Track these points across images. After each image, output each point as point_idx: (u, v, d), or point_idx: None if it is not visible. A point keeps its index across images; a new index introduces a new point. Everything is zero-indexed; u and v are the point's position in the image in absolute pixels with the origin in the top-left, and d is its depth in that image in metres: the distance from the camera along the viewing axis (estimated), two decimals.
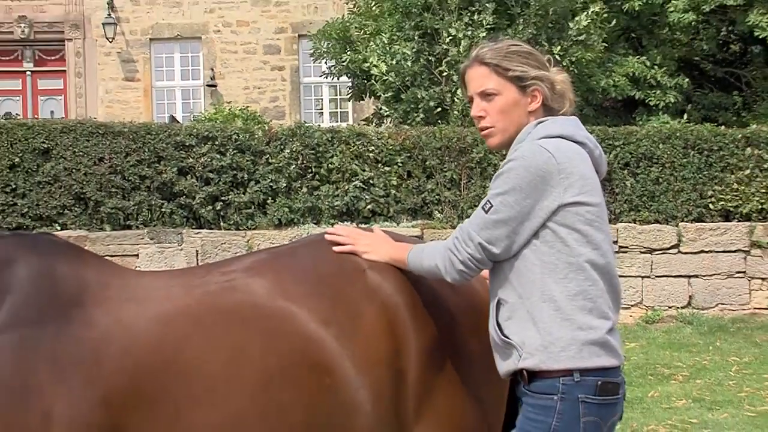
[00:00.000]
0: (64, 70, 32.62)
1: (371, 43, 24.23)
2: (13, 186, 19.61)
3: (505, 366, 4.37)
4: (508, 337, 4.30)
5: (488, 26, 22.21)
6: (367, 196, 19.63)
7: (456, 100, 22.16)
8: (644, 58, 25.96)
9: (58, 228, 19.53)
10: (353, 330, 4.31)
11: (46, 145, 19.75)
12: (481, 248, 4.29)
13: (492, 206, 4.26)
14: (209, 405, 3.97)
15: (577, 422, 4.19)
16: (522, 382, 4.30)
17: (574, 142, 4.47)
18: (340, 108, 32.11)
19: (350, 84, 27.78)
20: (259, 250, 4.71)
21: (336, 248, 4.54)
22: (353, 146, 19.95)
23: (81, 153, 19.69)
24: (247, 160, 19.89)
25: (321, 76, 30.64)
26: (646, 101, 25.69)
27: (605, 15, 24.16)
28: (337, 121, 30.50)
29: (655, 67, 25.80)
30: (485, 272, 4.53)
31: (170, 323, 4.05)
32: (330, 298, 4.36)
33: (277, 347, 4.18)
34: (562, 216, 4.25)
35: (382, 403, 4.31)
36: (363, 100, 28.32)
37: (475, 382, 4.56)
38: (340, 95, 31.49)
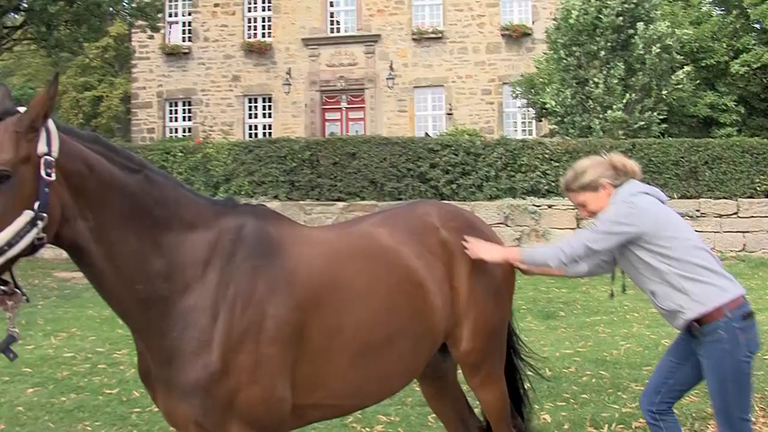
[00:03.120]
0: (363, 107, 32.94)
1: (547, 89, 24.45)
2: (335, 175, 20.45)
3: (679, 324, 4.41)
4: (670, 309, 4.38)
5: (619, 77, 22.23)
6: (543, 181, 20.02)
7: (597, 120, 22.33)
8: (716, 93, 25.72)
9: (358, 200, 20.22)
10: (432, 262, 4.35)
11: (353, 151, 20.54)
12: (587, 248, 4.37)
13: (597, 228, 4.36)
14: (357, 307, 3.98)
15: (739, 343, 4.25)
16: (694, 329, 4.33)
17: (643, 194, 4.49)
18: (528, 127, 31.76)
19: (534, 113, 27.90)
20: (374, 213, 4.92)
21: (468, 252, 4.47)
22: (536, 150, 20.33)
23: (373, 155, 20.41)
24: (471, 159, 20.36)
25: (516, 107, 30.80)
26: (719, 120, 25.37)
27: (693, 73, 23.99)
28: (526, 135, 30.36)
29: (724, 97, 25.53)
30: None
31: (332, 257, 4.06)
32: (419, 242, 4.38)
33: (393, 270, 4.21)
34: (650, 238, 4.31)
35: (447, 307, 4.36)
36: (541, 122, 28.40)
37: (496, 298, 4.62)
38: (527, 119, 31.30)
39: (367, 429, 6.95)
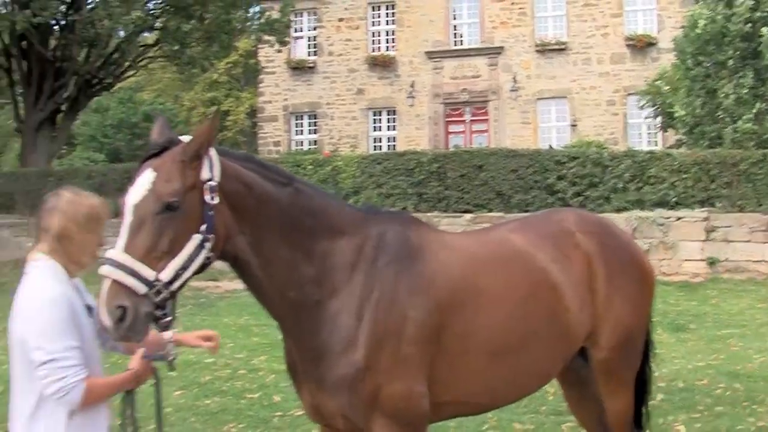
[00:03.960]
0: (487, 119, 33.05)
1: (674, 96, 24.13)
2: (462, 187, 20.68)
3: None
4: None
5: (748, 86, 21.79)
6: (672, 192, 19.65)
7: (728, 131, 21.93)
8: None
9: (486, 211, 20.26)
10: (568, 266, 4.43)
11: (480, 163, 20.74)
12: None
13: None
14: (492, 309, 4.10)
15: None
16: None
17: None
18: (653, 138, 31.47)
19: (659, 123, 27.54)
20: (511, 220, 5.04)
21: None
22: (664, 162, 19.99)
23: (500, 167, 20.53)
24: (598, 171, 20.20)
25: (641, 119, 30.33)
26: None
27: None
28: (651, 146, 29.94)
29: None
30: None
31: (469, 262, 4.18)
32: (555, 247, 4.47)
33: (529, 275, 4.31)
34: None
35: (584, 309, 4.43)
36: (667, 132, 28.03)
37: (635, 303, 4.67)
38: (652, 130, 30.83)
39: None
